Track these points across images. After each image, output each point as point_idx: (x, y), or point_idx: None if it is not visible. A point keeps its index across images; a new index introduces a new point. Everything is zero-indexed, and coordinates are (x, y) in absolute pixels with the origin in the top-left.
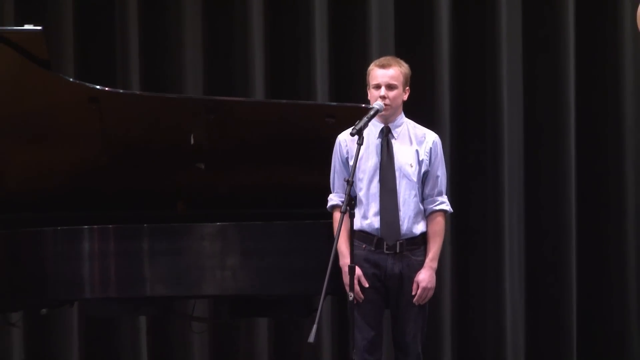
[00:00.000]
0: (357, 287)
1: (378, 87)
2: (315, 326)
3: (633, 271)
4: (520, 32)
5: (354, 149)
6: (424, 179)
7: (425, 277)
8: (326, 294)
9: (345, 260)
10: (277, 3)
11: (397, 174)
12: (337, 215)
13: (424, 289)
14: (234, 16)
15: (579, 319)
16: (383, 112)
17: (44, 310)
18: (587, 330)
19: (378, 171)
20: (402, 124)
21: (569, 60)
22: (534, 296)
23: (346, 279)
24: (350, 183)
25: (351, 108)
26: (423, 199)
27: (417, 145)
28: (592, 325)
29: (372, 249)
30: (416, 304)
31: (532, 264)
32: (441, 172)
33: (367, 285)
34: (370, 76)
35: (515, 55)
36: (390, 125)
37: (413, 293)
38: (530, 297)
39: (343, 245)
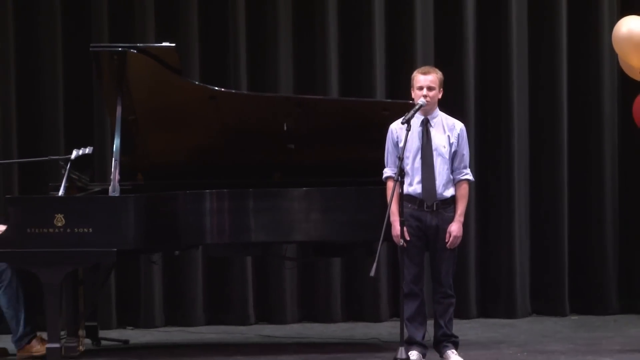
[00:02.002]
0: (406, 235)
1: (421, 88)
2: (375, 264)
3: (610, 223)
4: (526, 48)
5: (402, 135)
6: (453, 156)
7: (455, 228)
8: (383, 240)
9: (394, 217)
10: (348, 28)
11: (434, 153)
12: (390, 183)
13: (455, 237)
14: (315, 34)
15: (570, 257)
16: (425, 107)
17: (176, 252)
18: (575, 265)
19: (420, 151)
20: (437, 116)
21: (562, 68)
22: (536, 240)
23: (394, 231)
24: (400, 159)
25: (401, 104)
26: (452, 170)
27: (448, 132)
28: (579, 261)
29: (416, 207)
30: (448, 248)
31: (535, 216)
32: (466, 151)
33: (408, 238)
34: (414, 80)
35: (523, 65)
36: (428, 117)
37: (446, 240)
38: (533, 241)
39: (394, 206)
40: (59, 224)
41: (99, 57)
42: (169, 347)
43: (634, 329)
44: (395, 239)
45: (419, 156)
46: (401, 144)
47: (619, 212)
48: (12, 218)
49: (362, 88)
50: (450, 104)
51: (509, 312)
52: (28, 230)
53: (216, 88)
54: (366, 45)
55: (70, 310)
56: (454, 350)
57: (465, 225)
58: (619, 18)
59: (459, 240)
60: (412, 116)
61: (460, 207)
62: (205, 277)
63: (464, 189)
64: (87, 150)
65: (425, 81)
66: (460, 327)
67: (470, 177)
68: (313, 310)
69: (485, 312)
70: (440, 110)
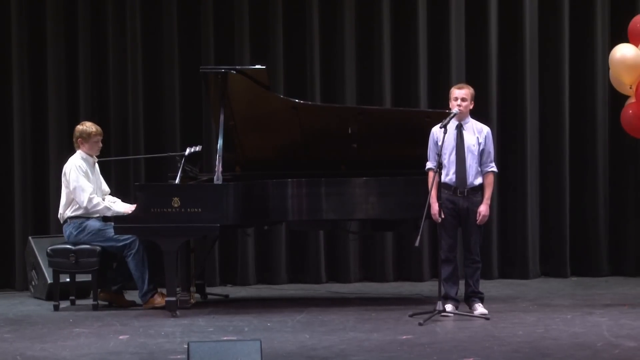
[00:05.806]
0: (442, 214)
1: (456, 99)
2: (418, 236)
3: (602, 204)
4: (537, 67)
5: (441, 136)
6: (481, 153)
7: (483, 208)
8: (425, 218)
9: (433, 200)
10: (399, 54)
11: (465, 150)
12: (430, 174)
13: (484, 215)
14: (374, 59)
15: (570, 230)
16: (458, 115)
17: (265, 227)
18: (574, 237)
19: (454, 149)
20: (469, 122)
21: (564, 83)
22: (544, 217)
23: (433, 211)
24: (439, 155)
25: (440, 112)
26: (480, 164)
27: (477, 134)
28: (578, 234)
29: (451, 193)
30: (478, 224)
31: (543, 198)
32: (492, 149)
33: (443, 217)
34: (451, 94)
35: (534, 80)
36: (462, 122)
37: (477, 218)
38: (542, 218)
39: (433, 192)
40: (176, 205)
41: (206, 77)
42: (260, 300)
43: (621, 287)
44: (433, 217)
45: (453, 153)
46: (440, 143)
47: (609, 195)
48: (140, 200)
49: (409, 100)
50: (478, 112)
51: (523, 274)
52: (152, 209)
53: (297, 100)
54: (413, 67)
55: (183, 271)
56: (480, 304)
57: (490, 206)
58: (610, 45)
59: (486, 218)
60: (449, 122)
61: (487, 193)
62: (288, 246)
63: (490, 179)
64: (198, 148)
65: (460, 94)
66: (485, 286)
67: (495, 169)
68: (370, 272)
69: (504, 274)
70: (472, 117)
